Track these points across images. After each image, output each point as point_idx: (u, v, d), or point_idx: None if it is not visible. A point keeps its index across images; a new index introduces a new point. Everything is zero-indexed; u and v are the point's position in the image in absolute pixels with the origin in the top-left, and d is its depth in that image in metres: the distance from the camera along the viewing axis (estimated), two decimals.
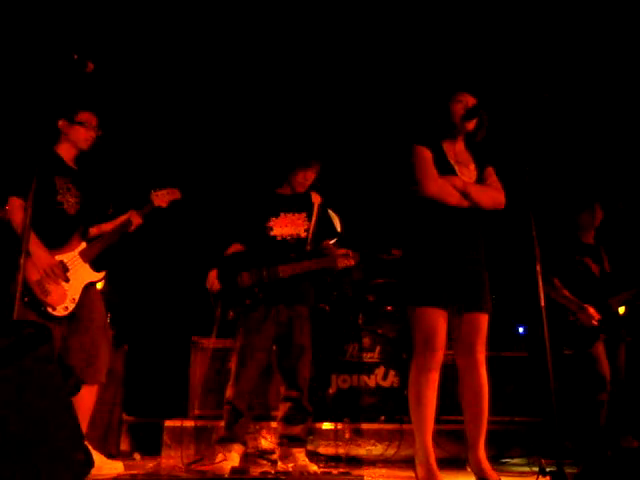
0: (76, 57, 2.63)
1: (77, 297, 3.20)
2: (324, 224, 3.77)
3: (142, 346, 4.73)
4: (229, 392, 3.44)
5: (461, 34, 5.14)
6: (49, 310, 3.09)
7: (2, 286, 2.97)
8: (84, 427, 3.13)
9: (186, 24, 5.08)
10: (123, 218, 3.46)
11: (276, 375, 3.61)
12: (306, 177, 3.66)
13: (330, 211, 5.53)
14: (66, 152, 3.42)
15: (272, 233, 3.59)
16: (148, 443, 4.37)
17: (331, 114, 5.58)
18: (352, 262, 3.53)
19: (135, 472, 3.31)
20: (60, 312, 3.13)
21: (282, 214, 3.63)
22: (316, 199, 3.74)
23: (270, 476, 3.06)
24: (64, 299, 3.15)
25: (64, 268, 3.20)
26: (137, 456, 4.22)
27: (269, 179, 3.80)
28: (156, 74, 5.19)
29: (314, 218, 3.68)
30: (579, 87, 5.10)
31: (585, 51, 5.00)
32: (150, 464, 3.82)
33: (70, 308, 3.17)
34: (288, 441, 3.47)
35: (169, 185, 3.55)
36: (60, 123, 3.39)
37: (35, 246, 3.08)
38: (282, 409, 3.52)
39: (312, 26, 5.25)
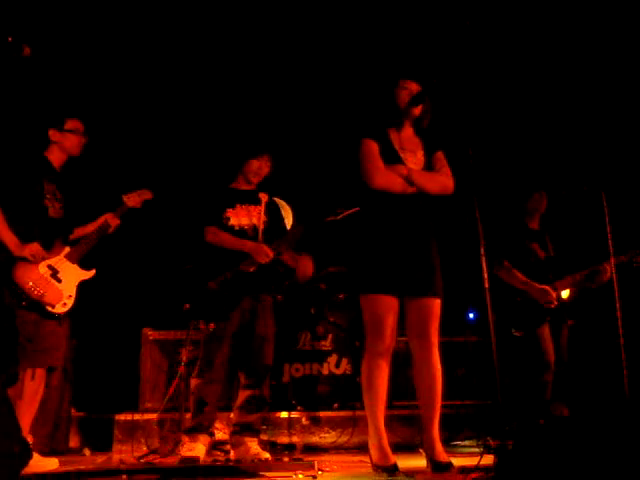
0: (10, 40, 2.52)
1: (74, 294, 3.31)
2: (275, 220, 3.79)
3: (91, 340, 4.63)
4: (195, 382, 3.43)
5: (399, 20, 5.13)
6: (49, 309, 3.20)
7: None
8: (27, 419, 3.08)
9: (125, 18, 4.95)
10: (100, 221, 3.52)
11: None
12: (260, 167, 3.72)
13: (282, 202, 5.51)
14: (56, 158, 3.47)
15: (230, 223, 3.62)
16: (100, 439, 4.29)
17: (283, 108, 5.54)
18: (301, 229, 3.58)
19: (83, 467, 3.24)
20: (59, 309, 3.24)
21: (238, 205, 3.68)
22: (264, 197, 3.77)
23: (220, 463, 3.04)
24: (60, 297, 3.25)
25: (53, 270, 3.28)
26: (87, 451, 4.15)
27: (223, 174, 3.85)
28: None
29: (263, 212, 3.71)
30: (527, 72, 5.18)
31: (534, 34, 5.05)
32: (100, 459, 3.75)
33: (69, 304, 3.27)
34: (241, 429, 3.47)
35: (139, 187, 3.64)
36: (50, 132, 3.44)
37: (8, 239, 3.15)
38: (241, 397, 3.51)
39: (258, 20, 5.18)
